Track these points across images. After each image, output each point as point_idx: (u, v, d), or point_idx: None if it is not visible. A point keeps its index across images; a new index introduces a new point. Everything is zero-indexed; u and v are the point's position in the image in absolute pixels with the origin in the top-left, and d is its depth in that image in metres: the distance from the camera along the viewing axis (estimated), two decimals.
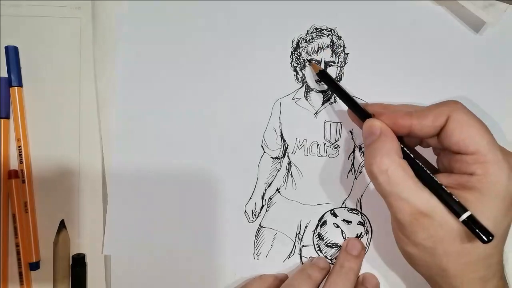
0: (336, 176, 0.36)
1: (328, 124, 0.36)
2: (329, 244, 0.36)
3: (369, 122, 0.30)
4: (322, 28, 0.36)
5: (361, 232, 0.36)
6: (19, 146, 0.35)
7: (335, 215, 0.36)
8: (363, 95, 0.36)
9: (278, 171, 0.36)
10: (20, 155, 0.35)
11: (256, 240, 0.36)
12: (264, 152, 0.36)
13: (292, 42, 0.36)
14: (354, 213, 0.36)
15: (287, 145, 0.36)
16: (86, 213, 0.36)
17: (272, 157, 0.36)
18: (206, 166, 0.36)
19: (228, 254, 0.36)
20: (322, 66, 0.36)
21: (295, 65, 0.36)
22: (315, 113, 0.36)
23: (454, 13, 0.36)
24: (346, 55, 0.36)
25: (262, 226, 0.36)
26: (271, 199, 0.36)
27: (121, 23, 0.36)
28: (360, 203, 0.36)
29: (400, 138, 0.30)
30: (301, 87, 0.36)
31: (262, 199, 0.36)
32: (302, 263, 0.37)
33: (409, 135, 0.30)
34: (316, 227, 0.36)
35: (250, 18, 0.36)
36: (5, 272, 0.35)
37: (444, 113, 0.28)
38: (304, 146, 0.36)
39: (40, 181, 0.36)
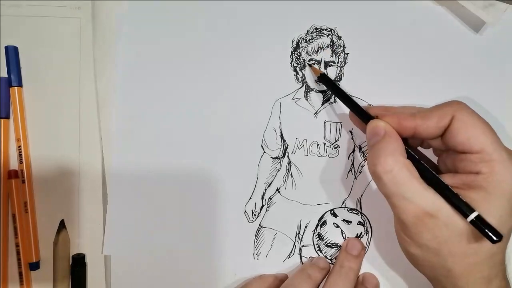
0: (336, 176, 0.36)
1: (328, 124, 0.36)
2: (329, 244, 0.36)
3: (373, 123, 0.30)
4: (322, 28, 0.36)
5: (361, 232, 0.36)
6: (19, 146, 0.35)
7: (335, 215, 0.36)
8: (363, 95, 0.36)
9: (278, 171, 0.36)
10: (20, 155, 0.35)
11: (256, 240, 0.36)
12: (264, 152, 0.36)
13: (292, 42, 0.36)
14: (354, 213, 0.36)
15: (287, 145, 0.36)
16: (86, 213, 0.36)
17: (272, 157, 0.36)
18: (206, 166, 0.36)
19: (228, 254, 0.36)
20: (322, 66, 0.36)
21: (295, 65, 0.36)
22: (315, 113, 0.36)
23: (454, 13, 0.36)
24: (346, 55, 0.36)
25: (262, 226, 0.36)
26: (271, 199, 0.36)
27: (121, 23, 0.36)
28: (360, 203, 0.36)
29: (404, 140, 0.29)
30: (301, 87, 0.36)
31: (262, 199, 0.36)
32: (302, 263, 0.37)
33: (413, 136, 0.30)
34: (316, 227, 0.36)
35: (250, 18, 0.36)
36: (5, 272, 0.35)
37: (448, 114, 0.28)
38: (304, 146, 0.36)
39: (40, 181, 0.36)
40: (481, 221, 0.25)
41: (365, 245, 0.36)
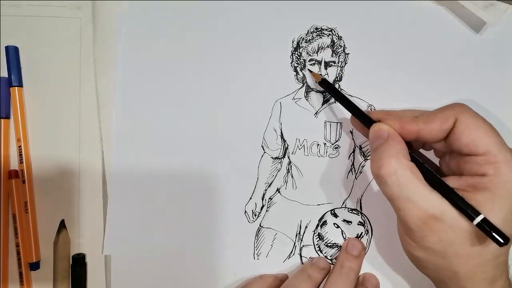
0: (336, 176, 0.36)
1: (328, 124, 0.36)
2: (329, 244, 0.36)
3: (376, 126, 0.30)
4: (323, 28, 0.36)
5: (361, 232, 0.36)
6: (19, 146, 0.35)
7: (335, 215, 0.36)
8: (363, 94, 0.36)
9: (278, 171, 0.36)
10: (20, 155, 0.35)
11: (256, 240, 0.36)
12: (264, 152, 0.36)
13: (293, 42, 0.36)
14: (354, 213, 0.36)
15: (287, 145, 0.36)
16: (86, 213, 0.36)
17: (272, 157, 0.36)
18: (206, 166, 0.36)
19: (228, 254, 0.36)
20: (323, 66, 0.36)
21: (295, 65, 0.36)
22: (315, 113, 0.36)
23: (454, 13, 0.36)
24: (346, 55, 0.36)
25: (262, 226, 0.36)
26: (271, 199, 0.36)
27: (121, 23, 0.36)
28: (360, 203, 0.36)
29: (407, 143, 0.29)
30: (301, 87, 0.36)
31: (262, 199, 0.36)
32: (302, 263, 0.37)
33: (416, 140, 0.29)
34: (316, 227, 0.36)
35: (250, 18, 0.36)
36: (5, 272, 0.35)
37: (451, 116, 0.28)
38: (304, 146, 0.36)
39: (40, 181, 0.36)
40: (487, 224, 0.25)
41: (365, 245, 0.36)
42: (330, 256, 0.36)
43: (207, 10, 0.36)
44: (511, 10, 0.35)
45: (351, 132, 0.36)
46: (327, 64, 0.36)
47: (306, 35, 0.36)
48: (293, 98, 0.36)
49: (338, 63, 0.36)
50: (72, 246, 0.36)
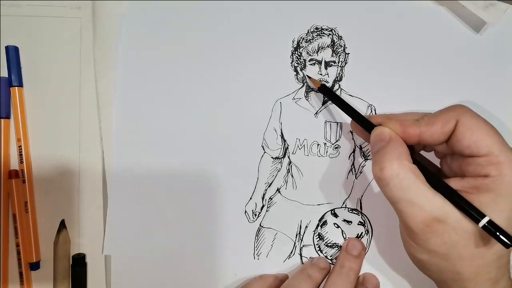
0: (336, 176, 0.36)
1: (328, 124, 0.36)
2: (329, 244, 0.36)
3: (378, 129, 0.30)
4: (323, 27, 0.36)
5: (362, 232, 0.36)
6: (19, 146, 0.35)
7: (335, 215, 0.36)
8: (363, 94, 0.36)
9: (279, 171, 0.36)
10: (21, 155, 0.35)
11: (256, 240, 0.36)
12: (265, 152, 0.36)
13: (293, 42, 0.36)
14: (354, 213, 0.36)
15: (288, 145, 0.36)
16: (86, 213, 0.36)
17: (272, 157, 0.36)
18: (206, 166, 0.36)
19: (228, 254, 0.36)
20: (323, 66, 0.36)
21: (296, 65, 0.36)
22: (316, 113, 0.36)
23: (454, 13, 0.36)
24: (346, 55, 0.36)
25: (262, 226, 0.36)
26: (271, 199, 0.36)
27: (121, 23, 0.36)
28: (361, 203, 0.36)
29: (409, 146, 0.29)
30: (301, 87, 0.36)
31: (263, 199, 0.36)
32: (303, 263, 0.37)
33: (418, 143, 0.29)
34: (317, 227, 0.36)
35: (250, 18, 0.36)
36: (5, 272, 0.35)
37: (453, 118, 0.28)
38: (305, 146, 0.36)
39: (40, 181, 0.36)
40: (493, 226, 0.25)
41: (365, 245, 0.36)
42: (330, 256, 0.36)
43: (207, 10, 0.36)
44: (511, 10, 0.35)
45: (351, 132, 0.36)
46: (327, 64, 0.36)
47: (306, 35, 0.36)
48: (293, 98, 0.36)
49: (338, 63, 0.36)
50: (72, 246, 0.36)
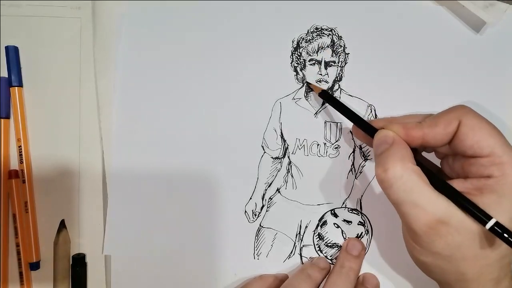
0: (336, 176, 0.36)
1: (328, 124, 0.36)
2: (329, 244, 0.36)
3: (381, 132, 0.29)
4: (323, 28, 0.36)
5: (361, 232, 0.36)
6: (19, 146, 0.35)
7: (335, 215, 0.36)
8: (363, 94, 0.36)
9: (278, 171, 0.36)
10: (20, 155, 0.35)
11: (256, 240, 0.36)
12: (264, 152, 0.36)
13: (293, 42, 0.36)
14: (354, 213, 0.36)
15: (287, 145, 0.36)
16: (86, 213, 0.36)
17: (272, 157, 0.36)
18: (206, 166, 0.36)
19: (228, 254, 0.36)
20: (323, 66, 0.36)
21: (295, 65, 0.36)
22: (315, 113, 0.36)
23: (454, 13, 0.36)
24: (346, 55, 0.36)
25: (262, 226, 0.36)
26: (271, 199, 0.36)
27: (121, 23, 0.36)
28: (361, 203, 0.36)
29: (412, 148, 0.29)
30: (301, 87, 0.36)
31: (263, 199, 0.36)
32: (302, 263, 0.37)
33: (421, 145, 0.29)
34: (317, 227, 0.36)
35: (250, 18, 0.36)
36: (5, 272, 0.35)
37: (455, 119, 0.28)
38: (304, 146, 0.36)
39: (40, 181, 0.36)
40: (500, 227, 0.25)
41: (365, 245, 0.36)
42: (330, 256, 0.36)
43: (207, 10, 0.36)
44: (511, 10, 0.35)
45: (351, 132, 0.36)
46: (327, 64, 0.36)
47: (306, 35, 0.36)
48: (293, 98, 0.36)
49: (338, 63, 0.36)
50: (72, 246, 0.36)
